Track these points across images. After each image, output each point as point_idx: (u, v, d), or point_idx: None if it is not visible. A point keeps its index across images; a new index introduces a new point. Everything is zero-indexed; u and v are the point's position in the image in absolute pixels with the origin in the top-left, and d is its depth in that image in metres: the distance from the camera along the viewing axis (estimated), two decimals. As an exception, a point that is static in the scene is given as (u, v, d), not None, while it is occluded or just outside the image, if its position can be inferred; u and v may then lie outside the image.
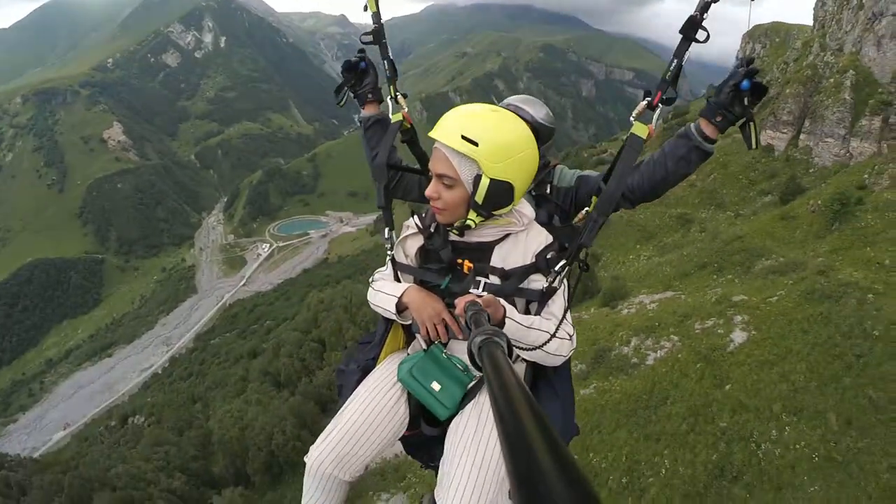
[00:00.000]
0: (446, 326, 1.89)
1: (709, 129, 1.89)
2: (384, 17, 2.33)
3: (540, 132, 2.15)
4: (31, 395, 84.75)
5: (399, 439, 2.17)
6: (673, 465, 11.82)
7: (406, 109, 2.35)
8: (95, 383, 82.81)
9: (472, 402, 1.93)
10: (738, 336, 14.63)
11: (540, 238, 1.92)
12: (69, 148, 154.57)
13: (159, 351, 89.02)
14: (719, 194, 38.71)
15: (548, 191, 2.28)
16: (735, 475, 11.33)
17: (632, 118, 1.94)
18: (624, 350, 15.95)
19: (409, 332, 2.23)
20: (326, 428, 2.04)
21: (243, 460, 29.46)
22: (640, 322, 17.29)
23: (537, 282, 1.88)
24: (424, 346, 2.01)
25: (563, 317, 1.85)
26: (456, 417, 1.93)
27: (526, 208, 1.94)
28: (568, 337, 1.85)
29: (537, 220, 1.99)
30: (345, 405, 2.08)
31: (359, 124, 2.44)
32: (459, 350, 1.96)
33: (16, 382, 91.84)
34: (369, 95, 2.36)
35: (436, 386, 1.85)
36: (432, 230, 1.98)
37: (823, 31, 41.22)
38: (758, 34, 58.48)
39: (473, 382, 1.92)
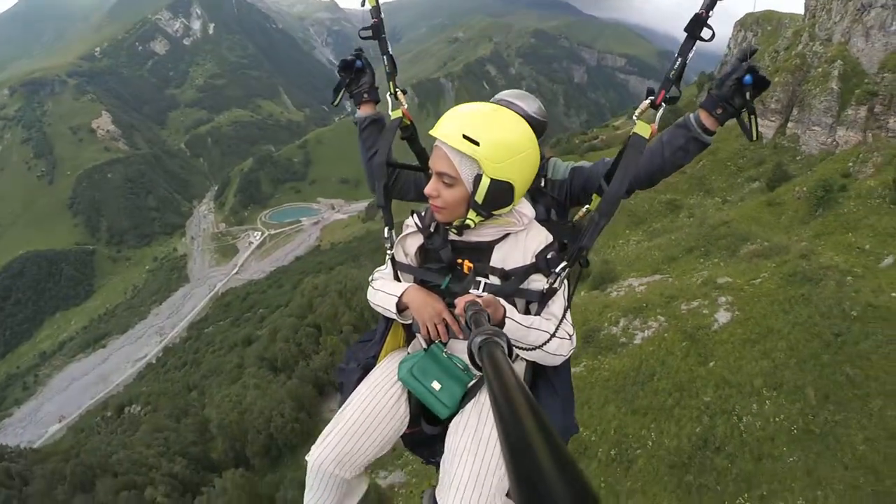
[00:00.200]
0: (447, 326, 1.89)
1: (709, 122, 1.89)
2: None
3: (534, 127, 2.10)
4: (26, 388, 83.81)
5: (400, 437, 2.17)
6: (659, 438, 12.43)
7: (406, 106, 2.30)
8: (89, 375, 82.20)
9: (473, 401, 1.93)
10: (723, 316, 15.20)
11: (540, 238, 1.91)
12: (58, 139, 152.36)
13: (153, 341, 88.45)
14: (708, 181, 39.36)
15: (542, 184, 2.24)
16: (718, 446, 11.95)
17: (634, 117, 1.92)
18: (613, 330, 16.51)
19: (410, 331, 2.22)
20: (327, 427, 2.05)
21: (242, 443, 29.99)
22: (628, 303, 17.83)
23: (537, 282, 1.88)
24: (425, 346, 2.00)
25: (563, 316, 1.85)
26: (456, 417, 1.94)
27: (526, 208, 1.93)
28: (568, 337, 1.85)
29: (535, 216, 1.98)
30: (345, 404, 2.09)
31: (354, 124, 2.41)
32: (460, 349, 1.96)
33: (10, 376, 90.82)
34: (365, 95, 2.35)
35: (436, 385, 1.85)
36: (432, 229, 1.97)
37: (814, 21, 41.65)
38: (749, 22, 58.73)
39: (474, 382, 1.91)
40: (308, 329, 41.10)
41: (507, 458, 0.53)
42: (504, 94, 2.33)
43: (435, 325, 1.88)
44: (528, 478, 0.48)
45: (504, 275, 1.87)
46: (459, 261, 1.91)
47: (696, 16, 1.78)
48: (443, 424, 1.99)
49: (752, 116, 1.84)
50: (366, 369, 2.20)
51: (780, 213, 27.05)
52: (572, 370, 2.13)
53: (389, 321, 2.21)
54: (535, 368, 2.06)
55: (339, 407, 2.11)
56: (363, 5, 2.26)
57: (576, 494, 0.45)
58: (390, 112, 2.29)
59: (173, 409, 40.28)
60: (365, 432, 2.00)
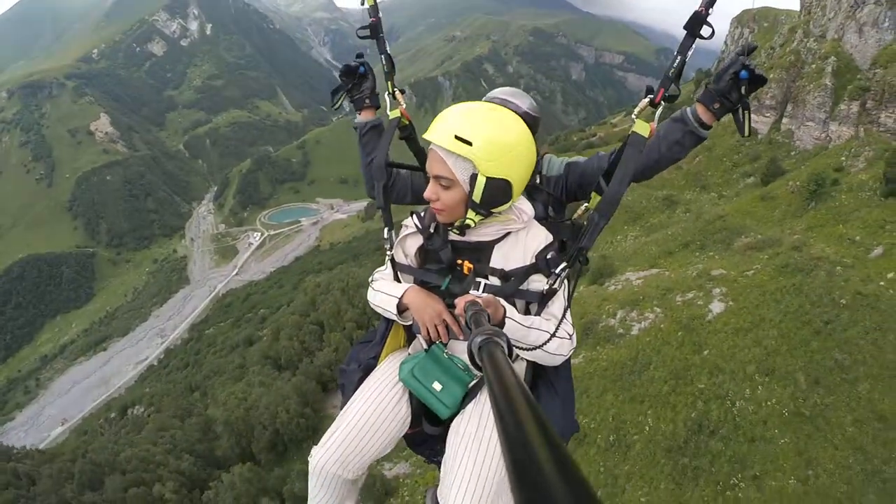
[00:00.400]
0: (447, 327, 1.89)
1: (706, 116, 1.88)
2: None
3: (527, 124, 2.07)
4: (28, 392, 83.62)
5: (402, 437, 2.18)
6: (656, 423, 12.89)
7: (404, 105, 2.30)
8: (91, 378, 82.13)
9: (473, 401, 1.93)
10: (717, 306, 15.64)
11: (540, 237, 1.91)
12: (56, 141, 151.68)
13: (154, 343, 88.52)
14: (704, 176, 39.79)
15: (538, 181, 2.19)
16: (712, 430, 12.42)
17: (633, 116, 1.92)
18: (610, 322, 16.93)
19: (410, 331, 2.22)
20: (329, 429, 2.07)
21: (248, 440, 30.34)
22: (625, 296, 18.25)
23: (537, 283, 1.88)
24: (425, 347, 1.99)
25: (563, 317, 1.85)
26: (457, 417, 1.94)
27: (525, 205, 1.93)
28: (568, 336, 1.84)
29: (534, 214, 1.98)
30: (346, 406, 2.11)
31: (354, 129, 2.40)
32: (460, 350, 1.96)
33: (11, 380, 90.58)
34: (367, 101, 2.34)
35: (437, 386, 1.86)
36: (431, 230, 1.96)
37: (809, 18, 42.07)
38: (746, 19, 59.11)
39: (474, 382, 1.92)
40: (311, 326, 41.47)
41: (507, 458, 0.53)
42: (496, 92, 2.31)
43: (435, 325, 1.89)
44: (528, 478, 0.48)
45: (504, 275, 1.87)
46: (459, 261, 1.91)
47: (696, 13, 1.77)
48: (444, 424, 2.01)
49: (746, 112, 1.83)
50: (367, 370, 2.21)
51: (773, 206, 27.48)
52: (572, 361, 2.20)
53: (390, 322, 2.23)
54: (535, 368, 2.07)
55: (341, 408, 2.14)
56: (362, 4, 2.27)
57: (576, 494, 0.45)
58: (388, 112, 2.31)
59: (176, 410, 40.41)
60: (367, 433, 2.02)
